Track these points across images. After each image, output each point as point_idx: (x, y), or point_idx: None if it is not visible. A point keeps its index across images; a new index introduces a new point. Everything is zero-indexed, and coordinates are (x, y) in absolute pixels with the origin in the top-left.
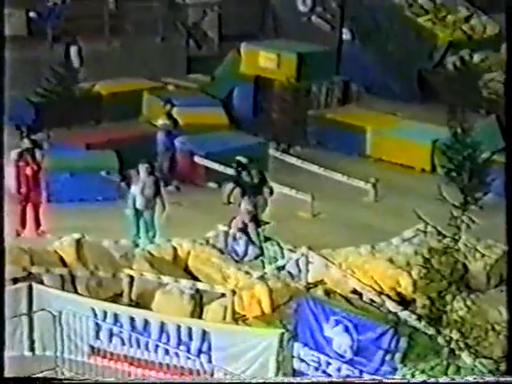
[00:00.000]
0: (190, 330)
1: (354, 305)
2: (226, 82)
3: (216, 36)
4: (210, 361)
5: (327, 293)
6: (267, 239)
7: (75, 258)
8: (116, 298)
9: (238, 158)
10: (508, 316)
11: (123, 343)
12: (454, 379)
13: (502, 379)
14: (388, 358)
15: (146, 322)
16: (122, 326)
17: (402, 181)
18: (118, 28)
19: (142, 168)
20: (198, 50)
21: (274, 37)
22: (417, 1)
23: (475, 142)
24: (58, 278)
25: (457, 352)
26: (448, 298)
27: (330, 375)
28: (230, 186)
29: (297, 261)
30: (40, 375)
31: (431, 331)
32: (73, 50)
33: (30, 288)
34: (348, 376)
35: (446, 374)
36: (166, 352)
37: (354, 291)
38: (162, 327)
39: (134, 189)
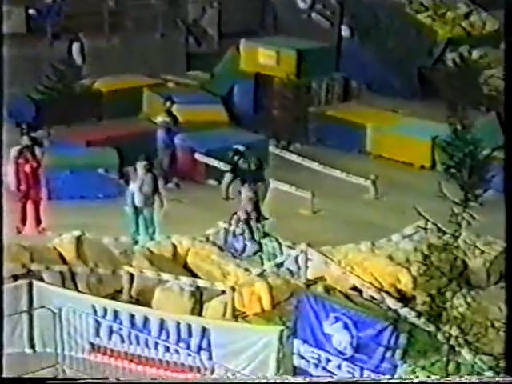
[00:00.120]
0: (189, 326)
1: (353, 301)
2: (226, 79)
3: (216, 33)
4: (210, 358)
5: (327, 290)
6: (266, 235)
7: (75, 255)
8: (116, 295)
9: (236, 146)
10: (507, 313)
11: (123, 340)
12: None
13: (501, 380)
14: (388, 354)
15: (146, 319)
16: (121, 323)
17: (402, 178)
18: (118, 25)
19: (140, 165)
20: (197, 47)
21: (273, 34)
22: None
23: (475, 138)
24: (58, 275)
25: (457, 349)
26: (448, 294)
27: (330, 372)
28: (228, 177)
29: (296, 258)
30: (40, 373)
31: (431, 328)
32: (75, 46)
33: (30, 285)
34: (353, 376)
35: (445, 371)
36: (166, 349)
37: (354, 288)
38: (162, 324)
39: (133, 186)
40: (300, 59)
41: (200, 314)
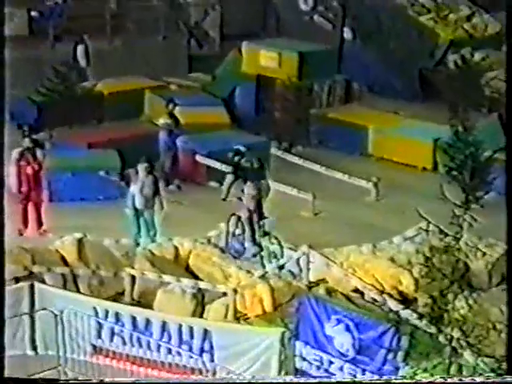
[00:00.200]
0: (191, 329)
1: (355, 304)
2: (228, 82)
3: (217, 35)
4: (212, 360)
5: (329, 292)
6: (266, 234)
7: (77, 257)
8: (118, 297)
9: (236, 146)
10: (508, 315)
11: (125, 342)
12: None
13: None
14: (390, 356)
15: (148, 321)
16: (123, 325)
17: (403, 180)
18: (120, 27)
19: (141, 167)
20: (199, 49)
21: (275, 36)
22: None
23: (477, 140)
24: (59, 277)
25: (459, 351)
26: (450, 296)
27: (332, 374)
28: (229, 178)
29: (298, 260)
30: (42, 375)
31: (433, 330)
32: (79, 49)
33: (32, 287)
34: (354, 376)
35: (447, 373)
36: (168, 351)
37: (356, 290)
38: (164, 326)
39: (133, 188)
40: (302, 61)
41: (202, 316)
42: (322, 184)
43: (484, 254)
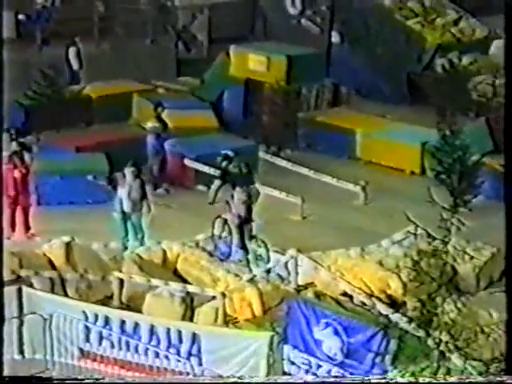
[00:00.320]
0: (179, 332)
1: (344, 307)
2: (216, 85)
3: (205, 39)
4: (200, 363)
5: (317, 295)
6: (252, 237)
7: (65, 261)
8: (106, 301)
9: (224, 151)
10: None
11: (113, 346)
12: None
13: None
14: (378, 360)
15: (136, 325)
16: (111, 329)
17: (391, 183)
18: (108, 30)
19: (128, 171)
20: (187, 53)
21: (263, 39)
22: (406, 4)
23: (464, 144)
24: (47, 281)
25: (447, 354)
26: (438, 300)
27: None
28: (216, 183)
29: (286, 263)
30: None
31: (421, 333)
32: (71, 51)
33: (20, 291)
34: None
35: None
36: (156, 355)
37: (344, 294)
38: (152, 330)
39: (121, 192)
40: (290, 65)
41: (191, 320)
42: (311, 187)
43: (472, 257)
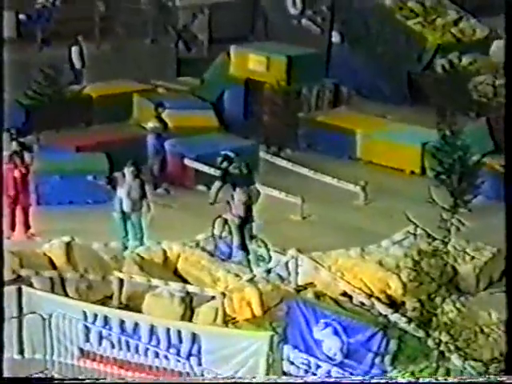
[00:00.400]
0: (179, 332)
1: (343, 307)
2: (216, 85)
3: (206, 38)
4: (199, 363)
5: (317, 295)
6: (252, 237)
7: (65, 261)
8: (106, 301)
9: (225, 152)
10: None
11: (113, 346)
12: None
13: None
14: (378, 360)
15: (136, 325)
16: (111, 329)
17: (391, 183)
18: (108, 30)
19: (128, 171)
20: (187, 53)
21: (264, 39)
22: (407, 4)
23: (465, 144)
24: (47, 281)
25: (446, 354)
26: (438, 300)
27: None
28: (217, 184)
29: (286, 263)
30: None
31: (421, 334)
32: (74, 50)
33: (20, 291)
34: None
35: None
36: (156, 355)
37: (344, 294)
38: (152, 330)
39: (120, 192)
40: (290, 65)
41: (191, 320)
42: (311, 188)
43: (472, 257)
